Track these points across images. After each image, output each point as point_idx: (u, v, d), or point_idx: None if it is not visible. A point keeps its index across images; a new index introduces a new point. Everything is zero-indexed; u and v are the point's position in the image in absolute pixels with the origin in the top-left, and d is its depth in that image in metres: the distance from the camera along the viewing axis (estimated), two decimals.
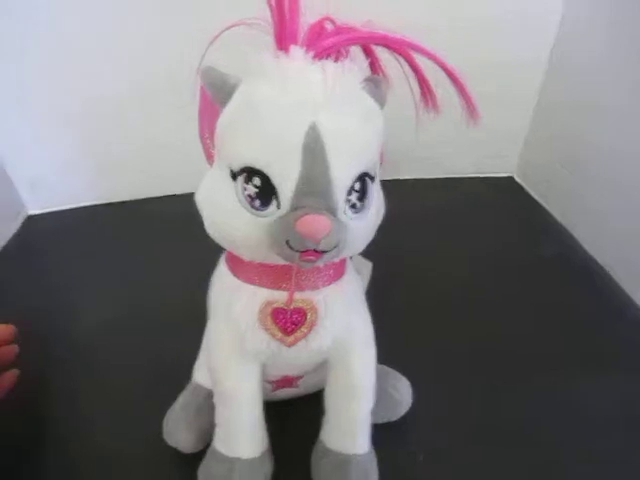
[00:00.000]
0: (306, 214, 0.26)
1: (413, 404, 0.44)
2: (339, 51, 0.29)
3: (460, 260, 0.66)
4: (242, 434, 0.37)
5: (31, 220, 0.74)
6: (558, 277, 0.63)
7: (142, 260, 0.64)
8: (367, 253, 0.39)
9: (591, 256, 0.66)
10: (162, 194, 0.78)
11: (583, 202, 0.69)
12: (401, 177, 0.79)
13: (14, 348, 0.43)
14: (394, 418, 0.43)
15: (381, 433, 0.40)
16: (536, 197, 0.80)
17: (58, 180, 0.74)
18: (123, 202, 0.77)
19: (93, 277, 0.62)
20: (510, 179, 0.86)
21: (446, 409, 0.45)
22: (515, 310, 0.58)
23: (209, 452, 0.38)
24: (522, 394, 0.47)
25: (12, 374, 0.42)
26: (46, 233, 0.72)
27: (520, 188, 0.84)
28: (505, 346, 0.52)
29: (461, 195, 0.81)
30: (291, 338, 0.32)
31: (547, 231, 0.73)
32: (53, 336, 0.53)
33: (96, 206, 0.77)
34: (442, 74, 0.30)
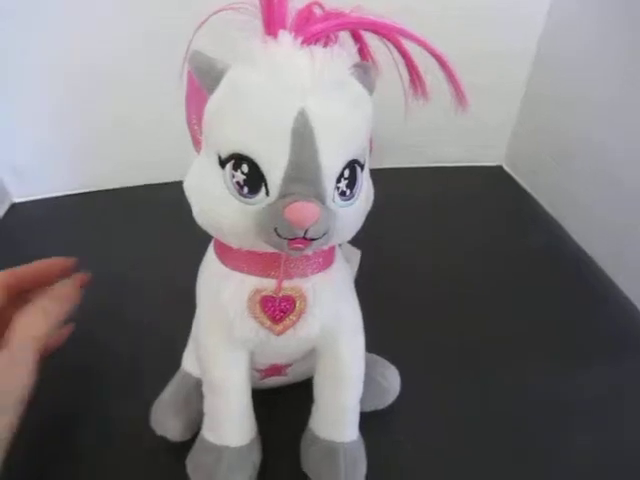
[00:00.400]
0: (295, 201, 0.26)
1: (401, 393, 0.44)
2: (328, 36, 0.29)
3: (448, 249, 0.66)
4: (230, 422, 0.37)
5: (15, 208, 0.73)
6: (546, 267, 0.64)
7: (128, 248, 0.63)
8: (355, 242, 0.39)
9: (579, 246, 0.67)
10: (149, 182, 0.77)
11: (571, 192, 0.69)
12: (388, 166, 0.79)
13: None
14: (382, 406, 0.44)
15: (369, 421, 0.40)
16: (525, 187, 0.81)
17: (42, 168, 0.73)
18: (110, 190, 0.76)
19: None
20: (499, 168, 0.86)
21: (434, 399, 0.46)
22: (502, 299, 0.58)
23: (198, 440, 0.38)
24: (510, 383, 0.48)
25: (68, 328, 0.41)
26: (30, 221, 0.71)
27: (509, 178, 0.84)
28: (492, 335, 0.53)
29: (449, 184, 0.81)
30: (280, 326, 0.32)
31: (535, 221, 0.74)
32: None
33: (82, 194, 0.75)
34: (431, 61, 0.30)
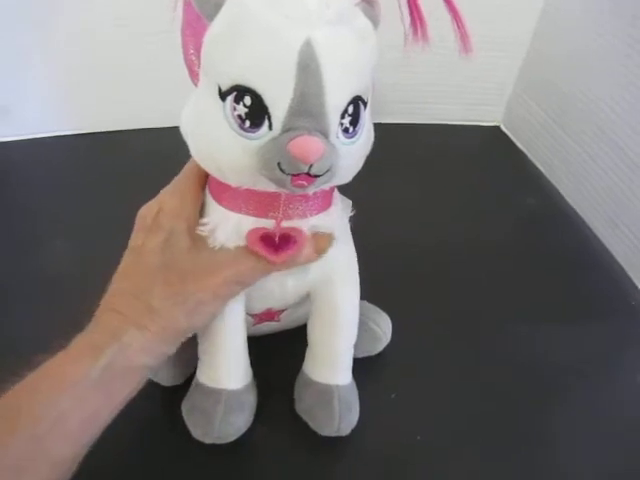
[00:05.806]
0: (299, 135, 0.25)
1: (392, 341, 0.44)
2: None
3: (440, 207, 0.65)
4: (226, 365, 0.36)
5: (2, 147, 0.71)
6: (539, 230, 0.64)
7: (115, 195, 0.61)
8: (349, 194, 0.38)
9: (574, 209, 0.67)
10: (138, 127, 0.75)
11: (569, 155, 0.69)
12: (385, 121, 0.77)
13: None
14: (374, 352, 0.44)
15: (360, 368, 0.40)
16: (522, 148, 0.80)
17: (32, 107, 0.71)
18: (100, 133, 0.74)
19: (63, 209, 0.60)
20: (497, 129, 0.85)
21: (424, 348, 0.46)
22: (493, 259, 0.58)
23: (193, 385, 0.38)
24: (499, 339, 0.48)
25: None
26: (17, 161, 0.69)
27: (507, 138, 0.83)
28: (482, 291, 0.53)
29: (446, 142, 0.79)
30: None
31: (531, 183, 0.73)
32: (20, 268, 0.52)
33: (71, 136, 0.73)
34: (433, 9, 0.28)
